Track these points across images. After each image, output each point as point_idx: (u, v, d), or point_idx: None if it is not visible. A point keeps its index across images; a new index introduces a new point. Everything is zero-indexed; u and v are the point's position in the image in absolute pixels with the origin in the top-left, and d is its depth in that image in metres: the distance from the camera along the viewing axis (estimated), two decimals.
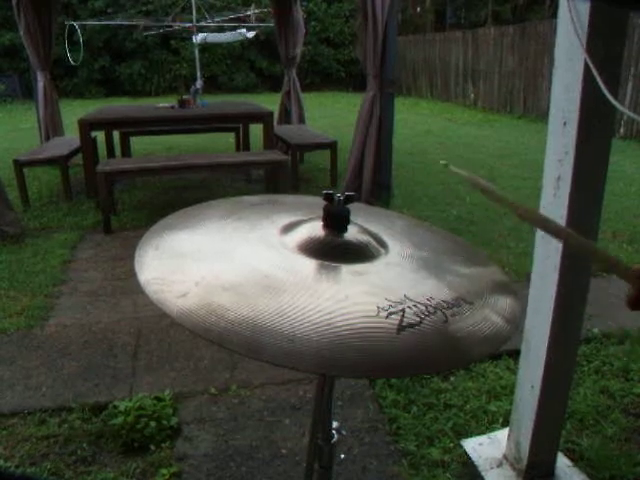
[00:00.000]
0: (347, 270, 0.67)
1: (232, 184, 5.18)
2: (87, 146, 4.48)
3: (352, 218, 0.72)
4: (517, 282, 2.73)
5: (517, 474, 1.63)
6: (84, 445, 1.76)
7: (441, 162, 0.72)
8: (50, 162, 4.60)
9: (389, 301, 0.61)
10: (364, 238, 0.73)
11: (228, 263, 0.68)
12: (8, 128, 8.80)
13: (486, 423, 1.87)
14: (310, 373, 0.61)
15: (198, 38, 9.31)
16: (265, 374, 2.12)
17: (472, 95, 12.03)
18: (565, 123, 1.27)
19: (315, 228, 0.72)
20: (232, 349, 0.54)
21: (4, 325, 2.51)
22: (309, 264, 0.67)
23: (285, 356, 0.53)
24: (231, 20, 10.48)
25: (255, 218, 0.81)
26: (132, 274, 0.65)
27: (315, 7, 15.56)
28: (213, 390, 2.04)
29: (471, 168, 5.85)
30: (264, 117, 4.84)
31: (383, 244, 0.74)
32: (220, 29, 10.99)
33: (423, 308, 0.61)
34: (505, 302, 0.68)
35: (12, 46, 12.72)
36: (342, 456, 1.72)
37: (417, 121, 9.55)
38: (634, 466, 1.65)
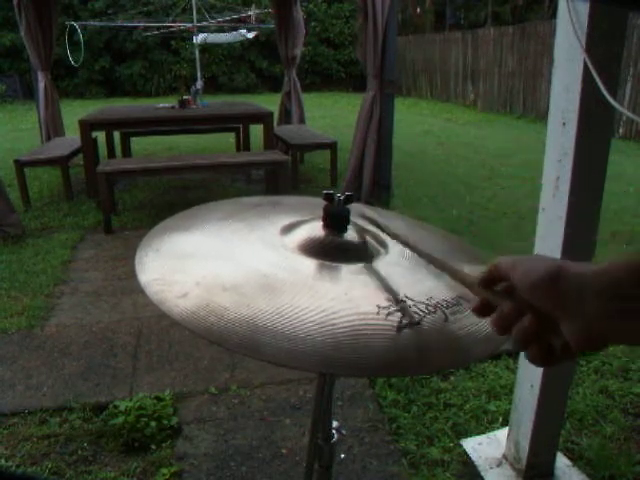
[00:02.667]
0: (347, 270, 0.67)
1: (232, 184, 5.19)
2: (88, 146, 4.49)
3: (352, 218, 0.72)
4: None
5: (517, 474, 1.63)
6: (85, 445, 1.76)
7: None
8: (51, 162, 4.61)
9: (389, 300, 0.61)
10: (364, 238, 0.73)
11: (228, 264, 0.68)
12: (9, 128, 8.80)
13: (486, 423, 1.87)
14: (310, 372, 0.62)
15: (198, 38, 9.30)
16: (265, 374, 2.13)
17: (472, 95, 12.03)
18: (564, 123, 1.27)
19: (315, 228, 0.72)
20: (232, 349, 0.54)
21: (5, 325, 2.51)
22: (309, 264, 0.67)
23: (285, 355, 0.54)
24: (231, 20, 10.48)
25: (255, 219, 0.81)
26: (132, 274, 0.65)
27: (315, 8, 15.55)
28: (213, 390, 2.04)
29: (471, 168, 5.86)
30: (264, 117, 4.85)
31: (383, 244, 0.75)
32: (220, 29, 10.99)
33: (423, 307, 0.61)
34: None
35: (13, 46, 12.73)
36: (342, 456, 1.72)
37: (417, 121, 9.55)
38: (633, 465, 1.65)
